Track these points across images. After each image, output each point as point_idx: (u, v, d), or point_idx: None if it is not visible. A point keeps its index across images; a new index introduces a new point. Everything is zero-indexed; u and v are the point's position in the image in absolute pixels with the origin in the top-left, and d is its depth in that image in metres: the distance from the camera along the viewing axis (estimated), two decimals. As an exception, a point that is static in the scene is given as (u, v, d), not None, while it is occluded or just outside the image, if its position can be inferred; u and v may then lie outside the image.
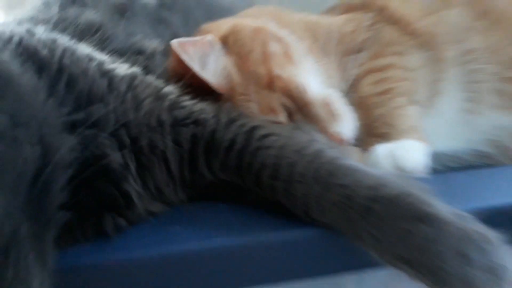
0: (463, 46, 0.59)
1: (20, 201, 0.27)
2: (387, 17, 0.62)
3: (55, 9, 0.54)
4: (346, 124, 0.48)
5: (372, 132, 0.50)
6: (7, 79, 0.29)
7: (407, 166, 0.44)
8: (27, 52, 0.34)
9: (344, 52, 0.59)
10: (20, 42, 0.35)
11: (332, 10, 0.68)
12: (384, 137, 0.49)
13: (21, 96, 0.29)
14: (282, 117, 0.45)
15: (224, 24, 0.51)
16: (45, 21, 0.47)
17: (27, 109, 0.29)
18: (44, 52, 0.36)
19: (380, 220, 0.35)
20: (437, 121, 0.59)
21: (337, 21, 0.62)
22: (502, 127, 0.59)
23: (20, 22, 0.45)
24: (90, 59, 0.39)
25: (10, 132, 0.27)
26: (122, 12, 0.57)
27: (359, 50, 0.59)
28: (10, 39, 0.35)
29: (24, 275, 0.26)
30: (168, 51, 0.50)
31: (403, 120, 0.49)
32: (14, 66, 0.31)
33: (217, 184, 0.41)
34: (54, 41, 0.39)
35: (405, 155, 0.45)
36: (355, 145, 0.50)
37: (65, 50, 0.38)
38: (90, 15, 0.53)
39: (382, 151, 0.46)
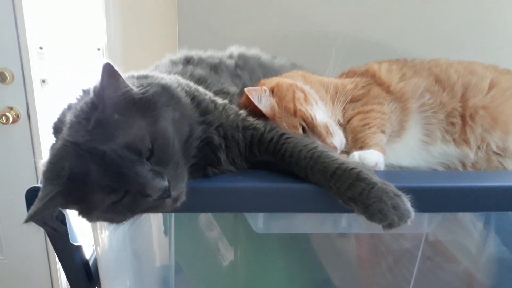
0: (421, 101, 0.89)
1: (182, 147, 0.64)
2: (376, 81, 0.94)
3: (180, 67, 0.89)
4: (337, 139, 0.81)
5: (354, 145, 0.81)
6: (179, 98, 0.68)
7: (367, 163, 0.72)
8: (181, 88, 0.72)
9: (347, 101, 0.91)
10: (179, 83, 0.73)
11: (344, 75, 1.03)
12: (360, 148, 0.79)
13: (184, 106, 0.68)
14: (300, 131, 0.80)
15: (273, 81, 0.88)
16: (178, 73, 0.83)
17: (186, 111, 0.67)
18: (187, 89, 0.73)
19: (339, 179, 0.65)
20: (404, 147, 0.89)
21: (344, 82, 0.94)
22: (448, 154, 0.89)
23: (166, 73, 0.82)
24: (206, 93, 0.76)
25: (181, 119, 0.65)
26: (215, 69, 0.93)
27: (356, 100, 0.91)
28: (176, 81, 0.73)
29: (183, 171, 0.62)
30: (241, 93, 0.87)
31: (371, 140, 0.79)
32: (181, 93, 0.69)
33: (262, 161, 0.74)
34: (188, 84, 0.76)
35: (367, 157, 0.74)
36: (344, 152, 0.82)
37: (195, 89, 0.75)
38: (199, 71, 0.88)
39: (356, 154, 0.75)
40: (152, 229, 0.92)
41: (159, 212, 0.63)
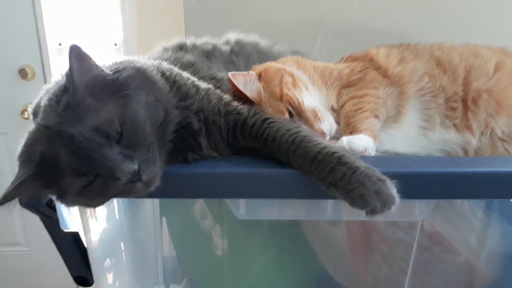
0: (420, 85, 0.85)
1: (155, 131, 0.64)
2: (373, 65, 0.89)
3: (170, 53, 0.89)
4: (326, 124, 0.78)
5: (345, 131, 0.77)
6: (155, 81, 0.67)
7: (355, 149, 0.69)
8: (161, 72, 0.72)
9: (342, 86, 0.88)
10: (158, 67, 0.72)
11: (343, 59, 1.01)
12: (350, 133, 0.75)
13: (160, 89, 0.67)
14: (286, 116, 0.77)
15: (262, 66, 0.86)
16: (165, 59, 0.82)
17: (161, 95, 0.66)
18: (168, 73, 0.72)
19: (320, 163, 0.63)
20: (401, 133, 0.84)
21: (340, 66, 0.91)
22: (448, 140, 0.84)
23: (154, 59, 0.83)
24: (188, 78, 0.75)
25: (155, 103, 0.65)
26: (207, 56, 0.92)
27: (351, 85, 0.88)
28: (155, 66, 0.73)
29: (154, 155, 0.61)
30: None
31: (363, 124, 0.75)
32: (157, 77, 0.69)
33: (247, 147, 0.73)
34: (171, 69, 0.75)
35: (356, 142, 0.70)
36: (336, 138, 0.78)
37: (177, 74, 0.74)
38: (189, 57, 0.87)
39: (345, 139, 0.71)
40: (145, 218, 0.92)
41: (132, 197, 0.63)
